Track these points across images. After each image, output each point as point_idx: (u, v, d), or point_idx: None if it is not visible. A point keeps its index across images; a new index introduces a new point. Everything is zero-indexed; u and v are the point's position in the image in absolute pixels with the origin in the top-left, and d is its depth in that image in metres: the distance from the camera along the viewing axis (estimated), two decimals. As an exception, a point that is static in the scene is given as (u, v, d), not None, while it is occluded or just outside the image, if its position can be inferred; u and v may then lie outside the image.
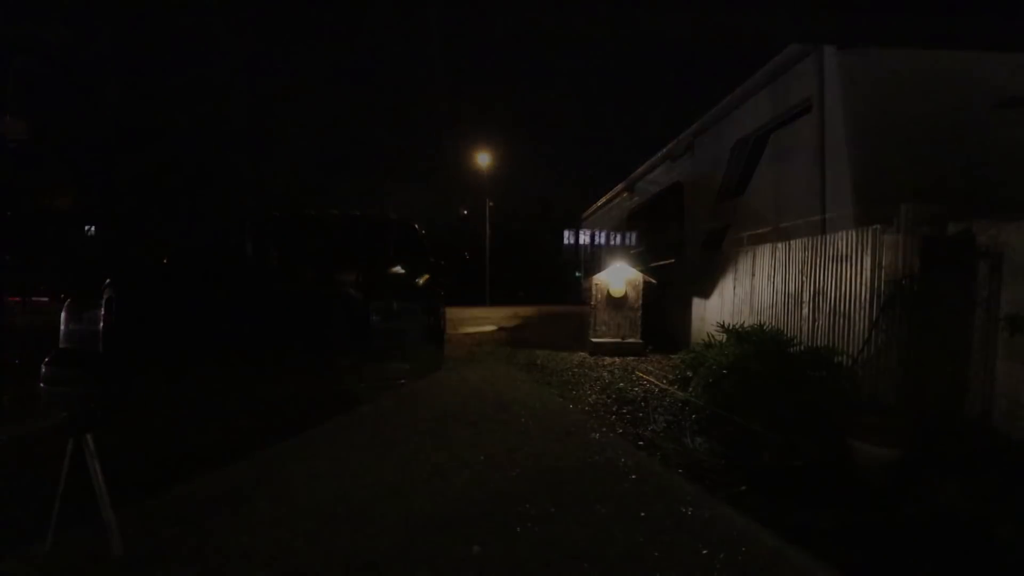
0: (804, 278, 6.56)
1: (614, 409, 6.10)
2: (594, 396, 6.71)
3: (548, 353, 9.81)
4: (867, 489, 3.93)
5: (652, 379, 7.72)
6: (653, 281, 10.21)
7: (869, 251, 5.31)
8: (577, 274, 14.12)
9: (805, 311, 6.50)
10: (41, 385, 4.39)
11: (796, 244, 6.78)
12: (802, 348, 5.83)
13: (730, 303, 8.65)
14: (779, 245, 7.19)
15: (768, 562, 3.04)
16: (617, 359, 9.33)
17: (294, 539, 3.23)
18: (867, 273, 5.34)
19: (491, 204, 22.93)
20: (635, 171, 23.77)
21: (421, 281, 6.29)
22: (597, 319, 10.00)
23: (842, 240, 5.81)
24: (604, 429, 5.38)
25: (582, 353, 9.83)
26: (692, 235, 16.79)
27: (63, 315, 4.62)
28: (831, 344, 5.69)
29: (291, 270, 5.92)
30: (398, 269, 6.16)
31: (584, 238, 20.11)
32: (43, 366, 4.41)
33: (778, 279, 7.19)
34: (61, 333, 4.64)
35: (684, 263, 12.95)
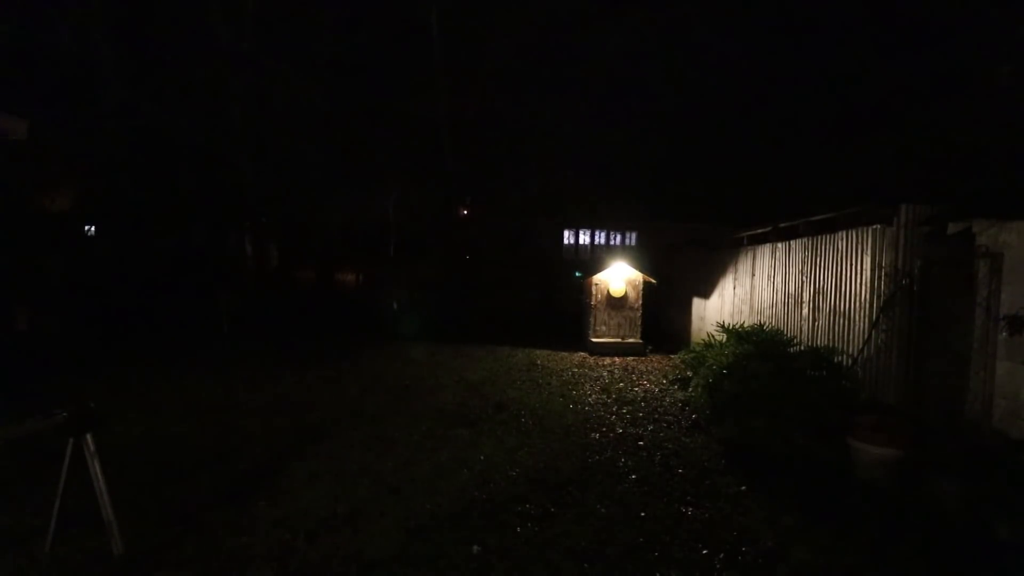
0: (804, 278, 6.55)
1: (614, 409, 6.10)
2: (594, 396, 6.70)
3: (548, 353, 9.81)
4: (867, 489, 3.93)
5: (652, 379, 7.72)
6: (653, 281, 10.20)
7: (869, 251, 5.31)
8: (577, 273, 13.90)
9: (805, 311, 6.49)
10: None
11: (796, 244, 6.77)
12: (802, 348, 5.83)
13: (730, 303, 8.64)
14: (779, 245, 7.18)
15: (768, 562, 3.05)
16: (617, 359, 9.32)
17: (294, 539, 3.24)
18: (867, 273, 5.34)
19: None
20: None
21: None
22: (597, 319, 9.99)
23: (842, 240, 5.81)
24: (604, 429, 5.39)
25: (582, 353, 9.83)
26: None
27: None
28: (831, 344, 5.69)
29: None
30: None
31: (584, 238, 19.72)
32: None
33: (778, 279, 7.18)
34: None
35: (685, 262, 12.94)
